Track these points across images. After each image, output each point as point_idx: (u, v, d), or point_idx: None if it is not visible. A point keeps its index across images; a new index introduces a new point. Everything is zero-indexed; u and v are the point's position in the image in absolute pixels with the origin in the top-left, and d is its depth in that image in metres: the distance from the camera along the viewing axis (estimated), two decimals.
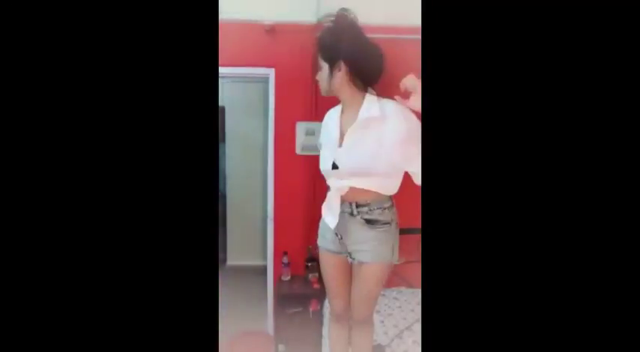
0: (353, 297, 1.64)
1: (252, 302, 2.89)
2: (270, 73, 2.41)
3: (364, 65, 1.47)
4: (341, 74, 1.46)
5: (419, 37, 0.93)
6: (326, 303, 2.19)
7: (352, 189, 1.47)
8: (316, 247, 1.70)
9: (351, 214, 1.50)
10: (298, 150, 2.44)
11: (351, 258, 1.55)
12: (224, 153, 3.80)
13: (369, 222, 1.49)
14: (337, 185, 1.49)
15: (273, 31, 2.34)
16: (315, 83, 1.53)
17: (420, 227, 0.89)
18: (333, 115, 1.58)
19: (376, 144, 1.40)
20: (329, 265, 1.64)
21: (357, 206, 1.49)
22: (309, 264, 2.45)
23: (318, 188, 2.47)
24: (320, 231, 1.65)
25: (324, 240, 1.62)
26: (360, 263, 1.53)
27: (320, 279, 2.37)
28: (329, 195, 1.54)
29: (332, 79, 1.47)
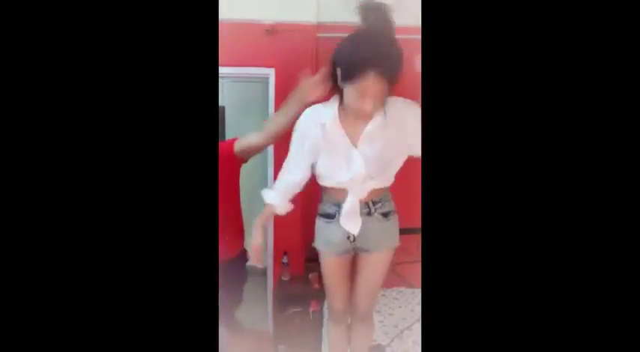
0: (358, 291, 1.63)
1: (252, 302, 2.88)
2: (270, 73, 2.40)
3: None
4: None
5: (419, 37, 0.93)
6: (326, 304, 2.18)
7: (369, 190, 1.46)
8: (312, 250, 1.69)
9: (369, 214, 1.49)
10: None
11: (362, 251, 1.56)
12: None
13: (385, 215, 1.52)
14: (358, 191, 1.44)
15: (273, 31, 2.34)
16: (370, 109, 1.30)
17: (420, 227, 0.89)
18: (329, 122, 1.40)
19: (389, 144, 1.40)
20: (333, 268, 1.61)
21: (374, 204, 1.49)
22: (309, 264, 2.44)
23: (317, 188, 2.46)
24: (321, 238, 1.59)
25: (329, 246, 1.57)
26: (372, 253, 1.55)
27: (320, 279, 2.37)
28: (349, 204, 1.44)
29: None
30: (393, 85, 1.31)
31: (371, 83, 1.25)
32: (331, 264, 1.60)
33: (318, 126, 1.41)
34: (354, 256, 1.61)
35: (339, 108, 1.41)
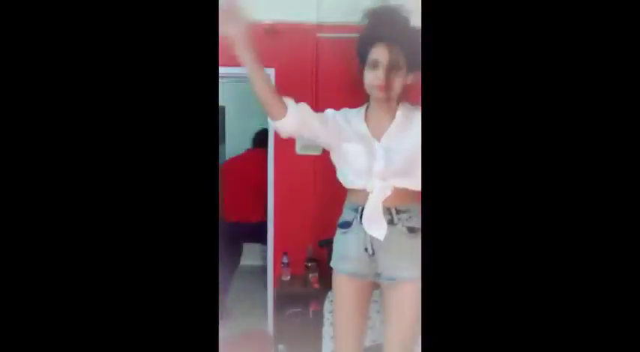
0: (387, 334, 1.33)
1: (252, 302, 2.89)
2: (270, 73, 2.40)
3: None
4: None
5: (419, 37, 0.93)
6: (326, 304, 2.18)
7: (392, 192, 1.30)
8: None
9: (391, 222, 1.29)
10: (298, 150, 2.44)
11: (384, 279, 1.33)
12: (224, 153, 3.80)
13: (411, 230, 1.30)
14: (379, 188, 1.30)
15: (273, 31, 2.34)
16: (385, 84, 1.30)
17: (420, 227, 0.89)
18: (350, 113, 1.43)
19: (414, 141, 1.28)
20: (347, 291, 1.37)
21: (398, 212, 1.30)
22: (309, 264, 2.44)
23: (318, 188, 2.47)
24: (337, 253, 1.40)
25: (345, 262, 1.37)
26: (398, 282, 1.30)
27: (320, 280, 2.37)
28: (371, 204, 1.30)
29: (405, 78, 1.33)
30: (412, 69, 1.32)
31: (382, 52, 1.29)
32: (345, 286, 1.37)
33: (343, 114, 1.44)
34: (374, 286, 1.38)
35: (366, 109, 1.43)
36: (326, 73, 2.35)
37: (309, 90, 2.38)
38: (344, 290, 1.37)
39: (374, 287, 1.41)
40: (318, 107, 1.63)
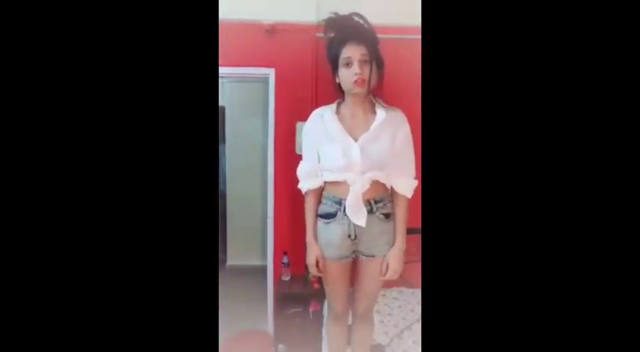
0: (360, 293, 1.65)
1: (252, 302, 2.88)
2: (270, 73, 2.40)
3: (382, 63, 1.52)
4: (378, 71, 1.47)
5: (419, 37, 0.93)
6: (326, 304, 2.18)
7: (369, 185, 1.47)
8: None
9: (371, 211, 1.50)
10: (298, 150, 2.44)
11: (363, 255, 1.57)
12: (224, 153, 3.80)
13: (387, 216, 1.54)
14: (359, 182, 1.46)
15: (273, 31, 2.34)
16: (362, 80, 1.43)
17: (420, 227, 0.89)
18: (326, 115, 1.53)
19: (390, 141, 1.49)
20: (333, 272, 1.61)
21: (375, 202, 1.51)
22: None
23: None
24: (321, 240, 1.60)
25: (330, 248, 1.57)
26: (376, 257, 1.55)
27: (320, 280, 2.37)
28: (352, 196, 1.47)
29: (376, 75, 1.47)
30: (377, 65, 1.45)
31: (353, 50, 1.41)
32: (331, 268, 1.60)
33: (318, 120, 1.54)
34: (354, 259, 1.62)
35: (337, 107, 1.55)
36: (326, 73, 2.35)
37: (309, 90, 2.38)
38: (330, 271, 1.61)
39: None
40: (317, 107, 1.64)
